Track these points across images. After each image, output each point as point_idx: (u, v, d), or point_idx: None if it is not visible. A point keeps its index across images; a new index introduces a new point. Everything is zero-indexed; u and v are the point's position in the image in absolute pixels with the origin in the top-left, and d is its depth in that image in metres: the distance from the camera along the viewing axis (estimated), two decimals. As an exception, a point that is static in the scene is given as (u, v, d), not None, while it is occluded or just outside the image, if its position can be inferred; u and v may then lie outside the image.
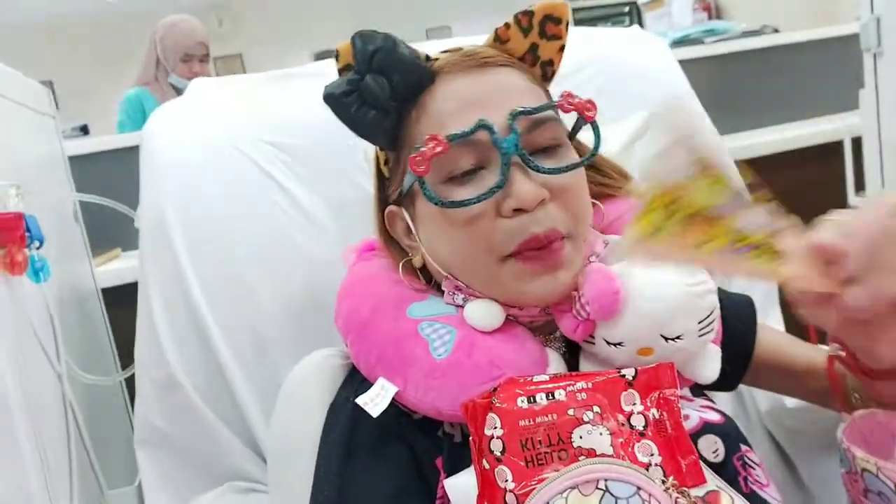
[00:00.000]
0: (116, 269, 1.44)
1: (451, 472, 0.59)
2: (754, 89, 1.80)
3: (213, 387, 0.88)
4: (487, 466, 0.53)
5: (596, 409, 0.53)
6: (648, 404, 0.54)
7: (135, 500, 0.98)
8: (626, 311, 0.59)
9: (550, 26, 0.66)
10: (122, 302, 1.19)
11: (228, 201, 0.95)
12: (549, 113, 0.62)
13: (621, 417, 0.53)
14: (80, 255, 1.12)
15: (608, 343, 0.60)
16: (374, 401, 0.60)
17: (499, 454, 0.52)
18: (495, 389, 0.56)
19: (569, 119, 0.65)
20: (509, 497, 0.51)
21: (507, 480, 0.52)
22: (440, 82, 0.63)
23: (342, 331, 0.68)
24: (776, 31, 2.02)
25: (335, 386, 0.69)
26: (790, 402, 0.86)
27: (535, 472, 0.51)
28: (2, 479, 0.69)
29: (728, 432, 0.62)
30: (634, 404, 0.53)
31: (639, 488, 0.49)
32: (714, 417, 0.63)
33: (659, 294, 0.59)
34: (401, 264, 0.68)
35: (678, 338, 0.59)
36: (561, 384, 0.54)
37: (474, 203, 0.59)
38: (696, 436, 0.61)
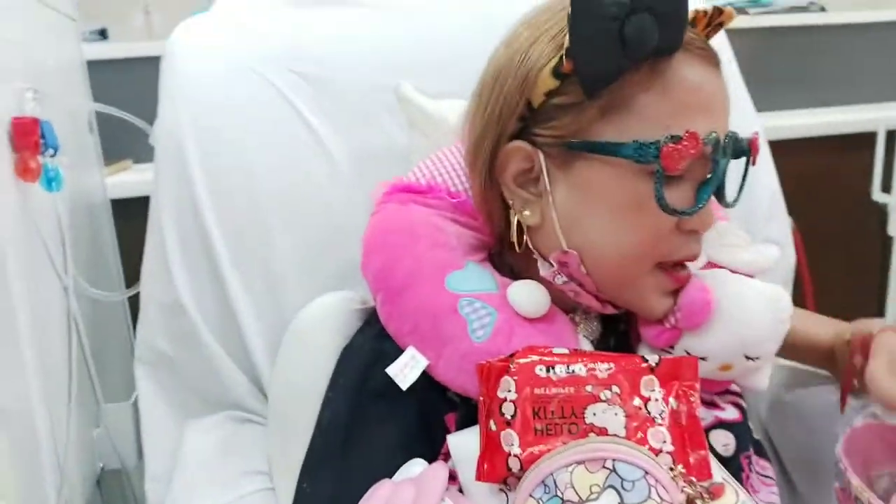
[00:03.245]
0: (127, 181, 1.42)
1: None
2: (793, 68, 1.74)
3: (220, 316, 0.87)
4: (494, 428, 0.52)
5: (615, 388, 0.52)
6: (668, 393, 0.53)
7: (130, 415, 0.98)
8: (715, 328, 0.59)
9: (711, 32, 0.61)
10: (130, 215, 1.18)
11: (249, 128, 0.92)
12: None
13: (639, 401, 0.52)
14: (93, 166, 1.10)
15: (689, 355, 0.60)
16: (403, 371, 0.60)
17: (509, 417, 0.52)
18: (512, 354, 0.55)
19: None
20: (512, 461, 0.51)
21: (512, 444, 0.51)
22: (683, 60, 0.55)
23: (372, 286, 0.66)
24: (823, 9, 1.94)
25: (349, 331, 0.68)
26: (788, 396, 0.85)
27: (543, 441, 0.51)
28: (4, 387, 0.69)
29: (741, 431, 0.62)
30: (653, 391, 0.53)
31: (646, 472, 0.48)
32: (732, 415, 0.62)
33: (752, 318, 0.59)
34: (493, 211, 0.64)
35: (758, 358, 0.60)
36: (582, 360, 0.54)
37: (682, 215, 0.56)
38: (708, 430, 0.61)
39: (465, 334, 0.58)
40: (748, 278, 0.62)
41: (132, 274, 1.13)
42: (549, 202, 0.58)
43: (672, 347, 0.61)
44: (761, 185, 1.00)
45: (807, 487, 0.83)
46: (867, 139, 1.54)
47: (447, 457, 0.59)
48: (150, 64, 1.07)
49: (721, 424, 0.62)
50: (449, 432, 0.59)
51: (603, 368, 0.53)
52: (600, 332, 0.66)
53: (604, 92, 0.54)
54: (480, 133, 0.61)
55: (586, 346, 0.62)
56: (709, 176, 0.56)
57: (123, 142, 1.37)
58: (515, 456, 0.51)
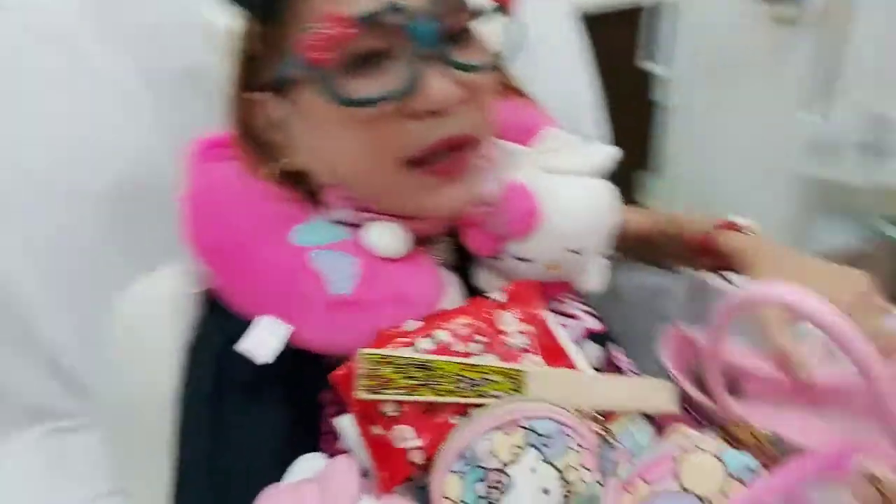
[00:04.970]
0: None
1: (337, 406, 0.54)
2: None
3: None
4: (380, 432, 0.48)
5: (479, 337, 0.51)
6: (523, 322, 0.54)
7: None
8: (540, 229, 0.58)
9: None
10: None
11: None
12: None
13: (503, 338, 0.52)
14: None
15: (518, 259, 0.60)
16: (260, 346, 0.51)
17: (392, 414, 0.48)
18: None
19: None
20: (414, 454, 0.48)
21: (407, 438, 0.48)
22: None
23: (201, 253, 0.56)
24: None
25: (189, 320, 0.59)
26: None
27: (436, 417, 0.48)
28: None
29: (605, 339, 0.64)
30: (510, 324, 0.53)
31: (560, 423, 0.48)
32: (597, 325, 0.64)
33: (573, 212, 0.59)
34: (263, 169, 0.57)
35: (580, 251, 0.60)
36: (439, 325, 0.51)
37: (378, 102, 0.50)
38: (583, 342, 0.62)
39: (324, 288, 0.53)
40: (567, 174, 0.61)
41: None
42: (294, 142, 0.57)
43: (498, 256, 0.61)
44: (582, 91, 1.02)
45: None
46: (633, 15, 1.65)
47: (334, 437, 0.54)
48: None
49: (591, 336, 0.64)
50: (326, 410, 0.54)
51: (461, 324, 0.51)
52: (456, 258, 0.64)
53: (275, 14, 0.52)
54: (232, 87, 0.58)
55: (448, 277, 0.59)
56: (413, 48, 0.51)
57: None
58: (417, 448, 0.48)
